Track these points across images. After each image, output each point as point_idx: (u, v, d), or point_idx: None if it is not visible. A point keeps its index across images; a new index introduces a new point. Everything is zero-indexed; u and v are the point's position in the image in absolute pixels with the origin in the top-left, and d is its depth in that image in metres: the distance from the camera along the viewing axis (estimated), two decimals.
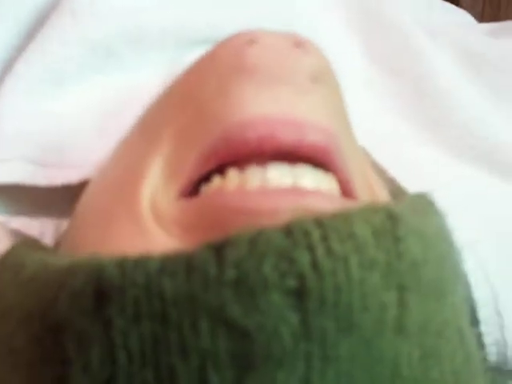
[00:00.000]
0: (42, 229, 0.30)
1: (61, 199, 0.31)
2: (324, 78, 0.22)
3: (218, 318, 0.16)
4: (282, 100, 0.21)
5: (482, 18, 1.12)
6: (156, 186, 0.21)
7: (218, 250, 0.16)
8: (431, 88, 0.39)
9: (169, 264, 0.17)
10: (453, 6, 0.68)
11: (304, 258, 0.16)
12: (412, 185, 0.32)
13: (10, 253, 0.24)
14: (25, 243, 0.25)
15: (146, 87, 0.33)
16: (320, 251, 0.16)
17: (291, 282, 0.16)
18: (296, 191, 0.20)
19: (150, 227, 0.20)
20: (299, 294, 0.16)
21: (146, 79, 0.34)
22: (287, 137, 0.20)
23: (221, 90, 0.21)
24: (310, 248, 0.16)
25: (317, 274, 0.16)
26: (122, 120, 0.31)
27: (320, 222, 0.17)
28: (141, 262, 0.17)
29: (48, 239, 0.30)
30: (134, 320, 0.16)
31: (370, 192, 0.23)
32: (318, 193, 0.20)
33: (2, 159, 0.29)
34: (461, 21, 0.61)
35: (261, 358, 0.16)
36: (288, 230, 0.17)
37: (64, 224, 0.31)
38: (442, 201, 0.22)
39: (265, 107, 0.20)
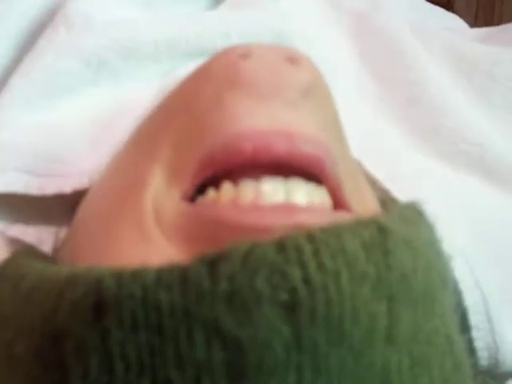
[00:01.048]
0: (39, 237, 0.31)
1: (59, 208, 0.31)
2: (315, 91, 0.23)
3: (212, 329, 0.16)
4: (274, 113, 0.21)
5: (475, 21, 1.13)
6: (158, 191, 0.22)
7: (212, 263, 0.17)
8: (423, 94, 0.39)
9: (164, 277, 0.17)
10: (445, 11, 0.69)
11: (296, 273, 0.17)
12: (403, 192, 0.32)
13: (9, 262, 0.24)
14: (24, 252, 0.25)
15: (139, 99, 0.33)
16: (312, 266, 0.17)
17: (283, 296, 0.16)
18: (288, 208, 0.20)
19: (152, 233, 0.21)
20: (291, 308, 0.16)
21: (139, 91, 0.35)
22: (280, 147, 0.20)
23: (217, 101, 0.22)
24: (302, 263, 0.17)
25: (308, 289, 0.16)
26: (115, 131, 0.31)
27: (312, 237, 0.17)
28: (138, 275, 0.17)
29: (46, 247, 0.30)
30: (131, 331, 0.17)
31: (361, 202, 0.24)
32: (309, 209, 0.20)
33: None
34: (453, 26, 0.61)
35: (254, 368, 0.16)
36: (280, 245, 0.17)
37: (62, 232, 0.31)
38: (433, 207, 0.22)
39: (258, 120, 0.21)
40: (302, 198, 0.21)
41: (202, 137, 0.21)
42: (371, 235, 0.18)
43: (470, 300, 0.29)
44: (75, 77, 0.34)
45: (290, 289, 0.16)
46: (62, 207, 0.31)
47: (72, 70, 0.33)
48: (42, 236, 0.31)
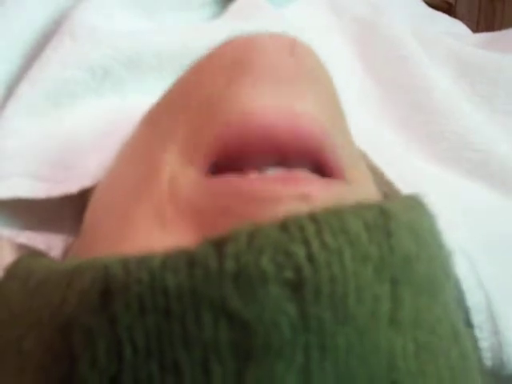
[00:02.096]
0: (48, 244, 0.31)
1: (67, 215, 0.32)
2: (316, 77, 0.23)
3: (219, 310, 0.16)
4: (278, 96, 0.22)
5: (477, 26, 1.13)
6: (174, 171, 0.22)
7: (218, 245, 0.17)
8: (426, 100, 0.39)
9: (171, 260, 0.17)
10: (448, 17, 0.69)
11: (300, 251, 0.17)
12: (406, 190, 0.32)
13: (17, 263, 0.24)
14: (32, 255, 0.26)
15: (143, 109, 0.34)
16: (315, 245, 0.17)
17: (288, 274, 0.17)
18: (292, 178, 0.20)
19: (168, 213, 0.21)
20: (296, 286, 0.16)
21: (143, 102, 0.35)
22: (285, 125, 0.21)
23: (224, 85, 0.22)
24: (306, 242, 0.17)
25: (312, 266, 0.17)
26: (118, 139, 0.32)
27: (314, 217, 0.18)
28: (144, 260, 0.18)
29: (55, 254, 0.31)
30: (139, 315, 0.17)
31: (362, 182, 0.24)
32: (313, 180, 0.21)
33: (3, 176, 0.30)
34: (455, 31, 0.61)
35: (260, 348, 0.16)
36: (284, 225, 0.17)
37: (71, 239, 0.31)
38: (436, 207, 0.23)
39: (265, 101, 0.22)
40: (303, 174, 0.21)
41: (215, 117, 0.22)
42: (374, 217, 0.18)
43: (473, 300, 0.29)
44: (80, 86, 0.34)
45: (294, 267, 0.17)
46: (70, 214, 0.32)
47: (77, 79, 0.34)
48: (50, 243, 0.31)
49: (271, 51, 0.23)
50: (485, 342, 0.29)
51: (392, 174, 0.33)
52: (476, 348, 0.28)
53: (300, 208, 0.18)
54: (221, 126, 0.21)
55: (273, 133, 0.21)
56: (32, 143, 0.31)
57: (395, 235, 0.19)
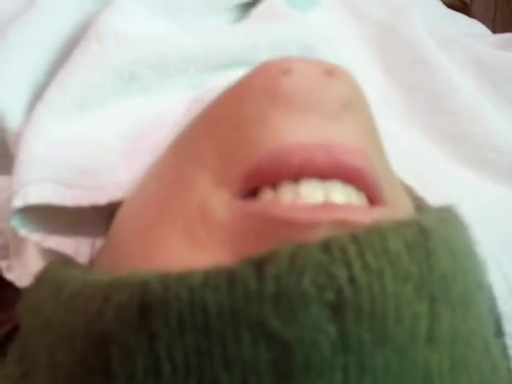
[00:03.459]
0: (76, 248, 0.31)
1: (94, 219, 0.32)
2: (354, 103, 0.23)
3: (259, 330, 0.16)
4: (316, 127, 0.22)
5: (493, 26, 1.12)
6: (205, 193, 0.22)
7: (259, 264, 0.17)
8: (449, 103, 0.39)
9: (211, 279, 0.17)
10: (465, 16, 0.68)
11: (342, 273, 0.17)
12: (435, 198, 0.32)
13: (47, 270, 0.25)
14: (60, 261, 0.26)
15: (170, 112, 0.34)
16: (357, 266, 0.17)
17: (330, 296, 0.17)
18: (328, 206, 0.20)
19: (199, 233, 0.21)
20: (337, 307, 0.16)
21: (170, 104, 0.35)
22: (323, 161, 0.21)
23: (261, 115, 0.22)
24: (347, 263, 0.17)
25: (354, 288, 0.17)
26: (146, 143, 0.32)
27: (356, 237, 0.18)
28: (184, 277, 0.18)
29: (82, 258, 0.31)
30: (178, 332, 0.17)
31: (401, 208, 0.24)
32: (349, 206, 0.21)
33: (32, 181, 0.30)
34: (473, 31, 0.61)
35: (300, 368, 0.16)
36: (326, 246, 0.17)
37: (98, 243, 0.31)
38: (465, 214, 0.23)
39: (302, 134, 0.21)
40: (340, 197, 0.21)
41: (248, 149, 0.22)
42: (414, 235, 0.18)
43: (505, 307, 0.29)
44: (107, 90, 0.34)
45: (336, 288, 0.17)
46: (97, 218, 0.32)
47: (104, 83, 0.34)
48: (78, 247, 0.31)
49: (308, 80, 0.22)
50: None
51: (421, 182, 0.33)
52: (506, 356, 0.28)
53: (341, 231, 0.18)
54: (257, 158, 0.21)
55: (312, 167, 0.21)
56: (60, 148, 0.31)
57: (434, 253, 0.19)
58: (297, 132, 0.21)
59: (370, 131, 0.24)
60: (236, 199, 0.21)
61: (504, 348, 0.29)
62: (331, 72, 0.23)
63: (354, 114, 0.23)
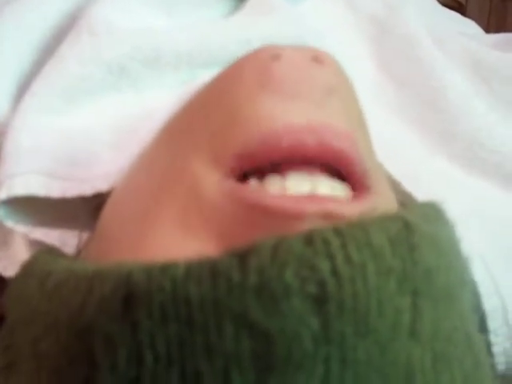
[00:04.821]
0: (63, 239, 0.31)
1: (82, 211, 0.32)
2: (339, 88, 0.23)
3: (241, 321, 0.16)
4: (304, 112, 0.22)
5: (487, 26, 1.13)
6: (197, 174, 0.22)
7: (242, 257, 0.17)
8: (441, 100, 0.39)
9: (194, 270, 0.17)
10: (460, 16, 0.69)
11: (324, 266, 0.17)
12: (422, 194, 0.32)
13: (34, 260, 0.24)
14: (48, 252, 0.26)
15: (159, 107, 0.34)
16: (339, 259, 0.17)
17: (312, 288, 0.17)
18: (314, 198, 0.20)
19: (191, 217, 0.21)
20: (320, 300, 0.17)
21: (160, 99, 0.35)
22: (312, 144, 0.21)
23: (251, 100, 0.22)
24: (330, 256, 0.17)
25: (336, 281, 0.17)
26: (135, 137, 0.32)
27: (339, 230, 0.18)
28: (167, 268, 0.18)
29: (69, 249, 0.31)
30: (161, 323, 0.17)
31: (385, 198, 0.24)
32: (334, 199, 0.21)
33: (18, 172, 0.30)
34: (469, 31, 0.61)
35: (282, 360, 0.16)
36: (309, 239, 0.17)
37: (85, 234, 0.31)
38: (452, 212, 0.23)
39: (292, 118, 0.22)
40: (325, 190, 0.21)
41: (239, 132, 0.22)
42: (397, 230, 0.19)
43: (489, 304, 0.29)
44: (97, 83, 0.34)
45: (318, 281, 0.17)
46: (85, 210, 0.32)
47: (94, 76, 0.34)
48: (65, 238, 0.32)
49: (296, 65, 0.23)
50: (499, 347, 0.29)
51: (407, 177, 0.33)
52: (488, 353, 0.29)
53: (324, 225, 0.18)
54: (249, 140, 0.22)
55: (301, 149, 0.21)
56: (47, 140, 0.31)
57: (418, 248, 0.19)
58: (286, 115, 0.22)
59: (355, 116, 0.24)
60: (226, 179, 0.21)
61: (488, 345, 0.29)
62: (318, 58, 0.23)
63: (338, 99, 0.23)
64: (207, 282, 0.17)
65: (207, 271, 0.17)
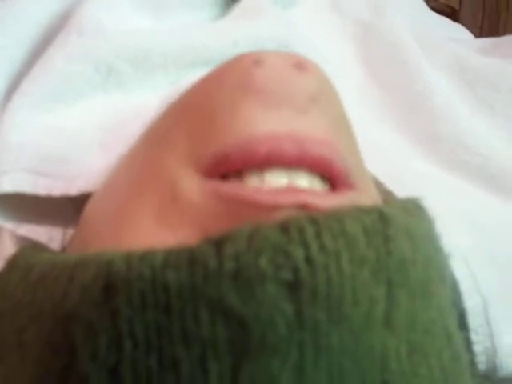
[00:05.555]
0: (49, 235, 0.32)
1: (68, 208, 0.32)
2: (322, 95, 0.23)
3: (217, 307, 0.17)
4: (285, 119, 0.22)
5: (480, 32, 1.13)
6: (175, 175, 0.22)
7: (218, 244, 0.18)
8: (425, 103, 0.40)
9: (172, 258, 0.18)
10: (450, 21, 0.69)
11: (299, 253, 0.17)
12: (405, 194, 0.32)
13: (18, 255, 0.25)
14: (33, 247, 0.26)
15: (146, 107, 0.34)
16: (314, 247, 0.17)
17: (286, 275, 0.17)
18: (291, 189, 0.21)
19: (169, 213, 0.21)
20: (294, 286, 0.17)
21: (146, 99, 0.36)
22: (291, 151, 0.21)
23: (231, 105, 0.23)
24: (305, 243, 0.18)
25: (310, 268, 0.17)
26: (121, 136, 0.32)
27: (314, 219, 0.18)
28: (146, 256, 0.18)
29: (55, 245, 0.31)
30: (140, 310, 0.17)
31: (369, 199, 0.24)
32: (312, 191, 0.21)
33: (5, 170, 0.30)
34: (458, 36, 0.62)
35: (257, 346, 0.17)
36: (284, 227, 0.18)
37: (70, 231, 0.32)
38: (434, 211, 0.23)
39: (271, 125, 0.22)
40: (303, 183, 0.21)
41: (217, 136, 0.22)
42: (372, 221, 0.19)
43: (470, 302, 0.29)
44: (85, 82, 0.34)
45: (292, 268, 0.17)
46: (71, 207, 0.32)
47: (82, 75, 0.34)
48: (51, 235, 0.32)
49: (278, 72, 0.23)
50: (479, 346, 0.29)
51: (391, 178, 0.33)
52: (468, 351, 0.29)
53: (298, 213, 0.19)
54: (225, 145, 0.22)
55: (279, 155, 0.21)
56: (35, 138, 0.32)
57: (393, 240, 0.19)
58: (266, 123, 0.22)
59: (339, 123, 0.24)
60: (204, 179, 0.22)
61: (468, 343, 0.29)
62: (301, 65, 0.23)
63: (321, 106, 0.23)
64: (185, 269, 0.17)
65: (185, 259, 0.18)
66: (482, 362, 0.30)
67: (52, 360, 0.19)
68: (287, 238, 0.18)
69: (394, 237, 0.19)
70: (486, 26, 1.18)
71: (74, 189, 0.30)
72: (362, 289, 0.18)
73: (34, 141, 0.32)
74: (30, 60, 0.36)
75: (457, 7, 1.10)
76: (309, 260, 0.17)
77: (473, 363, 0.29)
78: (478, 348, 0.29)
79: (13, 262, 0.24)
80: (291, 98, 0.23)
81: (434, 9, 0.70)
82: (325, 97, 0.24)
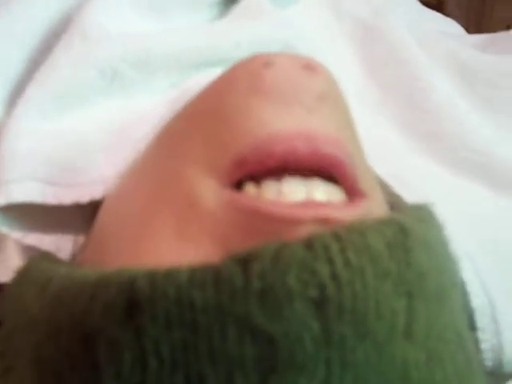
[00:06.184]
0: (57, 244, 0.31)
1: (76, 216, 0.32)
2: (330, 96, 0.24)
3: (244, 325, 0.17)
4: (296, 118, 0.22)
5: (467, 24, 1.14)
6: (194, 184, 0.22)
7: (244, 262, 0.18)
8: (425, 101, 0.40)
9: (198, 276, 0.18)
10: (441, 15, 0.69)
11: (324, 270, 0.17)
12: (407, 196, 0.33)
13: (30, 266, 0.25)
14: (43, 257, 0.26)
15: (151, 110, 0.34)
16: (339, 263, 0.18)
17: (313, 292, 0.17)
18: (310, 204, 0.21)
19: (189, 226, 0.21)
20: (320, 303, 0.17)
21: (151, 102, 0.35)
22: (304, 149, 0.21)
23: (244, 107, 0.23)
24: (330, 260, 0.18)
25: (336, 284, 0.17)
26: (128, 140, 0.32)
27: (338, 235, 0.18)
28: (171, 275, 0.18)
29: (63, 255, 0.31)
30: (165, 328, 0.17)
31: (376, 201, 0.24)
32: (330, 204, 0.21)
33: (14, 179, 0.30)
34: (451, 31, 0.62)
35: (284, 363, 0.17)
36: (309, 244, 0.18)
37: (80, 239, 0.31)
38: (440, 213, 0.23)
39: (284, 125, 0.22)
40: (321, 196, 0.21)
41: (233, 139, 0.22)
42: (394, 234, 0.19)
43: (477, 302, 0.30)
44: (90, 87, 0.34)
45: (319, 285, 0.17)
46: (79, 215, 0.32)
47: (87, 80, 0.34)
48: (59, 244, 0.31)
49: (288, 73, 0.23)
50: (487, 344, 0.30)
51: (395, 179, 0.34)
52: (478, 350, 0.29)
53: (322, 229, 0.19)
54: (242, 147, 0.22)
55: (294, 156, 0.21)
56: (42, 145, 0.31)
57: (413, 251, 0.19)
58: (279, 122, 0.22)
59: (346, 123, 0.24)
60: (222, 188, 0.22)
61: (476, 342, 0.30)
62: (309, 66, 0.24)
63: (329, 105, 0.24)
64: (211, 287, 0.17)
65: (210, 277, 0.18)
66: (488, 360, 0.30)
67: (71, 377, 0.19)
68: (313, 255, 0.18)
69: (413, 248, 0.19)
70: (471, 17, 1.19)
71: (86, 196, 0.30)
72: (384, 302, 0.18)
73: (41, 148, 0.31)
74: (33, 65, 0.36)
75: None
76: (334, 276, 0.17)
77: (481, 361, 0.30)
78: (485, 346, 0.30)
79: (24, 275, 0.24)
80: (302, 98, 0.23)
81: (421, 1, 0.70)
82: (332, 97, 0.24)
